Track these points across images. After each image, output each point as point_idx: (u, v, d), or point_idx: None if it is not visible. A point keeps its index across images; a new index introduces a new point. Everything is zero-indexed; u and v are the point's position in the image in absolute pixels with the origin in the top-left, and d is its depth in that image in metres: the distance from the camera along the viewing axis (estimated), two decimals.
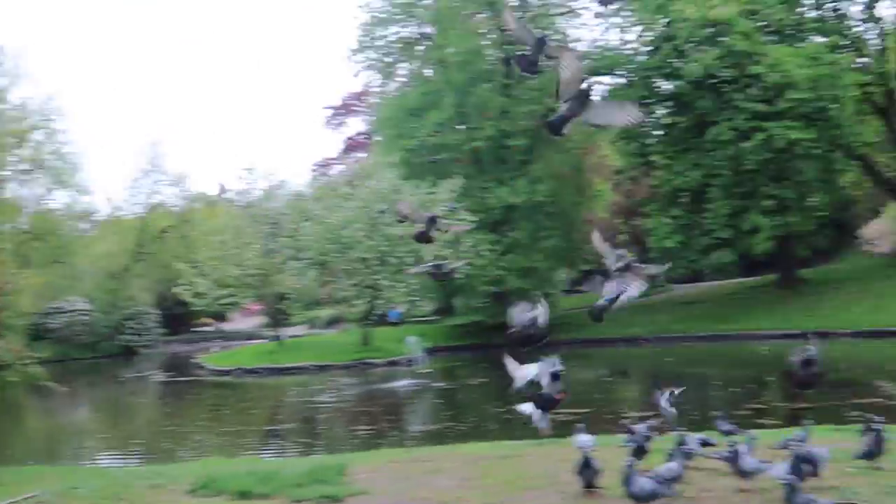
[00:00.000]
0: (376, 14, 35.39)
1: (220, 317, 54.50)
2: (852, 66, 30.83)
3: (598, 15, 35.12)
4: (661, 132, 34.23)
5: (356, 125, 59.10)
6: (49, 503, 5.79)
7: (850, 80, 28.96)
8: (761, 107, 28.78)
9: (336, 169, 49.42)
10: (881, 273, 31.19)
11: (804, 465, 5.18)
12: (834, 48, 29.45)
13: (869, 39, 32.52)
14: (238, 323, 56.56)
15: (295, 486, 6.08)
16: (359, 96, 50.68)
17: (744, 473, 5.52)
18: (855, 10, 32.32)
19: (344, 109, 53.59)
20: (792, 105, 28.06)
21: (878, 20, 32.03)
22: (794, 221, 30.60)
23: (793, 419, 7.65)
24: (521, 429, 13.00)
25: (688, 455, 5.88)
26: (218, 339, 49.47)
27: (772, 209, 30.30)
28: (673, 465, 5.51)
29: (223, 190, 56.48)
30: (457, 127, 33.95)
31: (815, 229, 35.27)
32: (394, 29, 35.56)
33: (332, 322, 46.28)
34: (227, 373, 28.45)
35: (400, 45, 35.83)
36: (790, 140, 27.77)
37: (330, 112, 54.47)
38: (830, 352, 22.84)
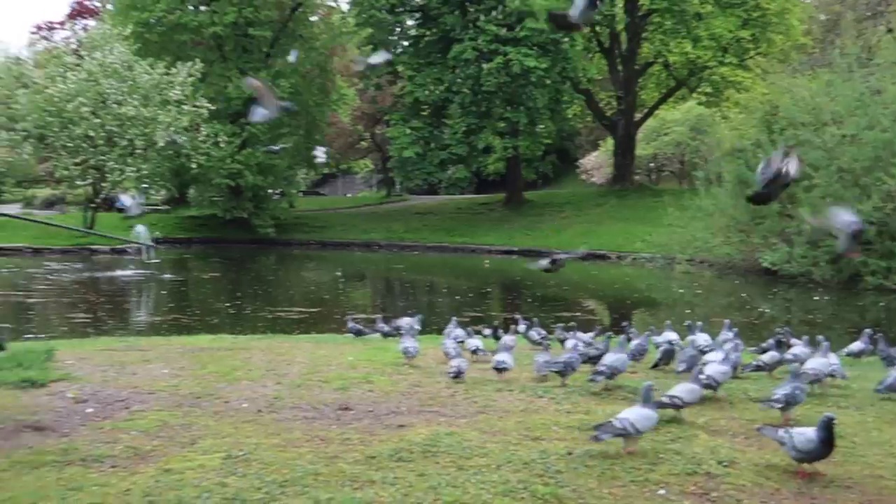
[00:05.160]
0: None
1: None
2: None
3: None
4: (409, 43, 34.64)
5: None
6: None
7: None
8: (503, 31, 29.99)
9: (60, 35, 44.92)
10: (594, 201, 34.13)
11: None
12: None
13: None
14: None
15: None
16: None
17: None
18: None
19: None
20: (529, 34, 29.49)
21: None
22: (524, 145, 32.59)
23: (506, 327, 8.31)
24: (248, 325, 13.06)
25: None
26: None
27: (504, 131, 32.09)
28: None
29: None
30: (198, 8, 32.12)
31: (541, 155, 37.85)
32: None
33: (52, 203, 42.76)
34: None
35: None
36: (525, 67, 29.24)
37: None
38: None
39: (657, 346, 7.00)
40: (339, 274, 24.54)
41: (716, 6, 32.21)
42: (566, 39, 30.26)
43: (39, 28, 46.38)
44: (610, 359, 5.63)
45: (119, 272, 21.52)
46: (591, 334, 7.63)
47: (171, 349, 7.53)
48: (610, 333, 7.24)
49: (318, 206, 41.38)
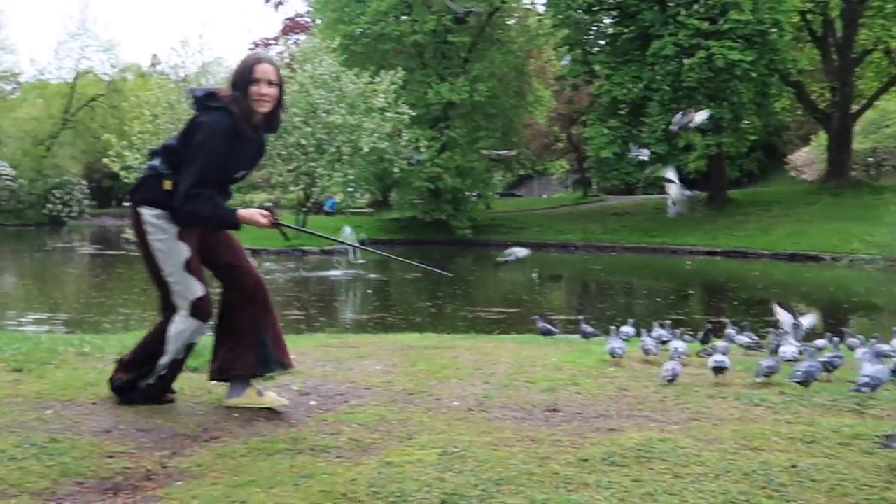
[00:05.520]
0: None
1: None
2: None
3: None
4: (605, 42, 34.18)
5: (296, 5, 57.01)
6: None
7: (790, 5, 29.25)
8: (705, 25, 28.92)
9: (275, 50, 47.99)
10: (804, 199, 32.22)
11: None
12: None
13: None
14: None
15: None
16: None
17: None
18: None
19: None
20: (734, 26, 28.24)
21: None
22: (727, 142, 31.28)
23: (710, 331, 8.01)
24: (449, 324, 13.40)
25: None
26: None
27: (707, 128, 30.92)
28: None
29: (156, 62, 54.40)
30: (399, 18, 33.35)
31: (746, 152, 36.15)
32: None
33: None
34: None
35: None
36: (730, 60, 28.03)
37: None
38: (749, 271, 23.91)
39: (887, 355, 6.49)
40: (535, 275, 24.62)
41: None
42: (774, 30, 28.78)
43: (256, 44, 49.87)
44: (871, 369, 5.27)
45: (328, 272, 22.72)
46: (822, 341, 7.18)
47: (381, 346, 7.85)
48: (836, 340, 6.78)
49: (515, 208, 41.76)
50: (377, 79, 28.31)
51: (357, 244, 22.36)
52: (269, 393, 4.70)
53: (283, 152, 27.54)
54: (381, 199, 40.53)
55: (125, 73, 51.79)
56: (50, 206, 43.20)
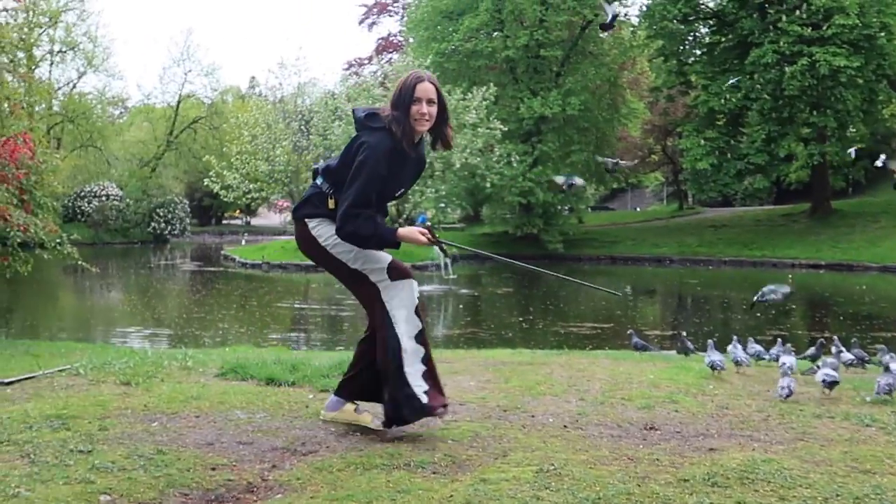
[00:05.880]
0: None
1: (249, 211, 55.15)
2: None
3: None
4: (702, 51, 33.54)
5: (390, 25, 57.90)
6: (83, 376, 5.97)
7: None
8: (807, 31, 28.01)
9: (368, 69, 48.82)
10: None
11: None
12: None
13: None
14: (267, 218, 56.95)
15: (321, 377, 6.22)
16: None
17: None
18: None
19: (377, 9, 52.55)
20: (838, 31, 27.28)
21: None
22: (831, 151, 30.18)
23: (822, 345, 7.71)
24: (541, 339, 13.31)
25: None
26: (246, 233, 50.04)
27: (809, 137, 29.96)
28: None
29: (254, 84, 56.20)
30: (492, 34, 33.47)
31: (852, 161, 34.76)
32: None
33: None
34: (255, 266, 28.91)
35: None
36: (834, 67, 27.08)
37: (363, 11, 53.50)
38: (856, 284, 22.97)
39: None
40: (627, 290, 24.23)
41: None
42: (882, 34, 27.68)
43: (350, 64, 50.78)
44: None
45: (420, 287, 22.86)
46: None
47: (474, 362, 7.83)
48: None
49: (608, 221, 41.28)
50: (469, 95, 28.47)
51: (448, 260, 22.49)
52: (366, 412, 4.74)
53: None
54: (473, 214, 40.63)
55: (225, 95, 53.60)
56: (154, 224, 44.91)
